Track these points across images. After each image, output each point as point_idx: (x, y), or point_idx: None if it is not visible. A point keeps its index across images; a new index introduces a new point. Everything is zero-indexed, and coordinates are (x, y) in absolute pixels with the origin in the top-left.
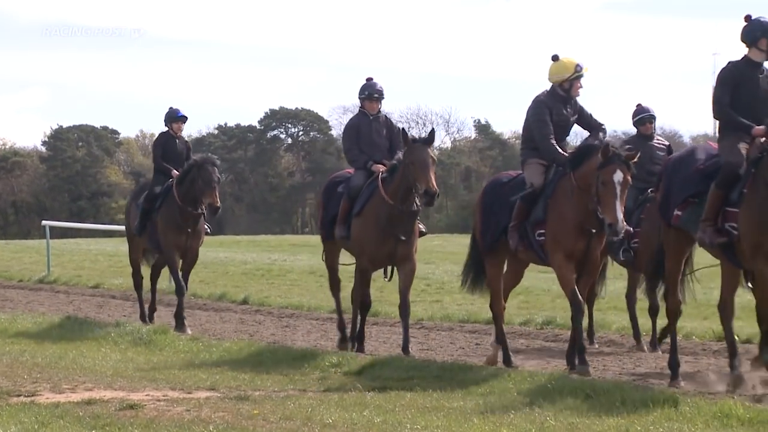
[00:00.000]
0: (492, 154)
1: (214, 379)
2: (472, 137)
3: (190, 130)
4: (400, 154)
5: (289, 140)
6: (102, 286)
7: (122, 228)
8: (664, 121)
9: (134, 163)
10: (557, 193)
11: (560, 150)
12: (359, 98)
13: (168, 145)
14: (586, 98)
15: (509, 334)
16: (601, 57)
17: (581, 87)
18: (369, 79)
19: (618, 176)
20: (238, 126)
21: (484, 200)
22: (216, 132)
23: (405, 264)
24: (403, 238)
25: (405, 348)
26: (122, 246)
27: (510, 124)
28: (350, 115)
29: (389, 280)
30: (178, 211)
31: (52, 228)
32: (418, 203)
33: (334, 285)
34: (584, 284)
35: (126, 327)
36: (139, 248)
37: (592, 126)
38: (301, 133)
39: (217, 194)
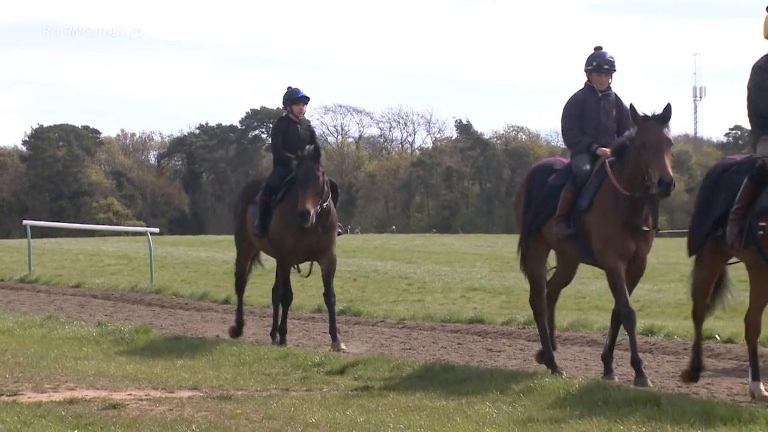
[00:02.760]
0: (473, 154)
1: (197, 378)
2: (454, 137)
3: (171, 129)
4: (630, 131)
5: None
6: (83, 286)
7: (103, 228)
8: None
9: (115, 163)
10: None
11: None
12: (585, 70)
13: (289, 132)
14: (550, 98)
15: (491, 334)
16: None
17: None
18: (597, 48)
19: None
20: (219, 126)
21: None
22: (197, 131)
23: (639, 263)
24: (646, 228)
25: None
26: (103, 246)
27: (491, 124)
28: (332, 116)
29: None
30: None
31: (33, 227)
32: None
33: (539, 295)
34: None
35: (108, 326)
36: (250, 254)
37: None
38: None
39: (311, 197)
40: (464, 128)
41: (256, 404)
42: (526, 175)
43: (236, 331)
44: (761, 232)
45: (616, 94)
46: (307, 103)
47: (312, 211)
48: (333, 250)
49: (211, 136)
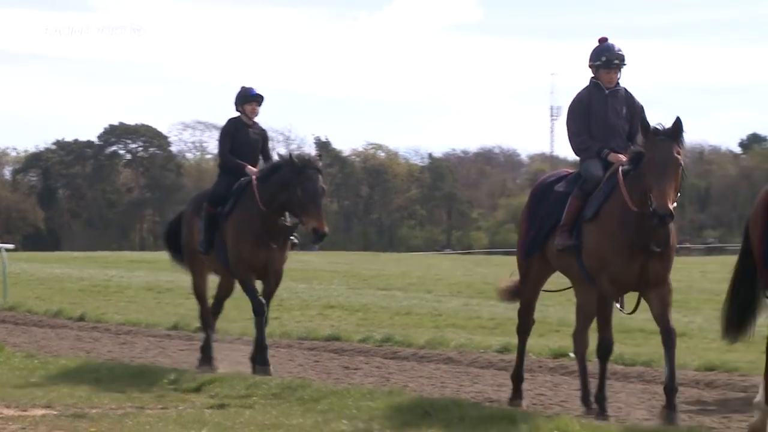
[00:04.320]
0: (332, 172)
1: (50, 396)
2: (313, 154)
3: (26, 145)
4: (638, 140)
5: (129, 156)
6: None
7: None
8: (502, 140)
9: None
10: None
11: None
12: (592, 66)
13: (239, 135)
14: (428, 119)
15: (348, 351)
16: (445, 76)
17: None
18: (603, 40)
19: None
20: (76, 141)
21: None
22: (54, 147)
23: (658, 288)
24: (658, 249)
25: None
26: None
27: (350, 141)
28: (191, 132)
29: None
30: (259, 219)
31: None
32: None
33: (527, 319)
34: None
35: None
36: (205, 273)
37: None
38: (140, 149)
39: (323, 213)
40: (323, 145)
41: (110, 422)
42: (531, 192)
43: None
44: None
45: (626, 90)
46: (261, 103)
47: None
48: (283, 267)
49: (67, 151)
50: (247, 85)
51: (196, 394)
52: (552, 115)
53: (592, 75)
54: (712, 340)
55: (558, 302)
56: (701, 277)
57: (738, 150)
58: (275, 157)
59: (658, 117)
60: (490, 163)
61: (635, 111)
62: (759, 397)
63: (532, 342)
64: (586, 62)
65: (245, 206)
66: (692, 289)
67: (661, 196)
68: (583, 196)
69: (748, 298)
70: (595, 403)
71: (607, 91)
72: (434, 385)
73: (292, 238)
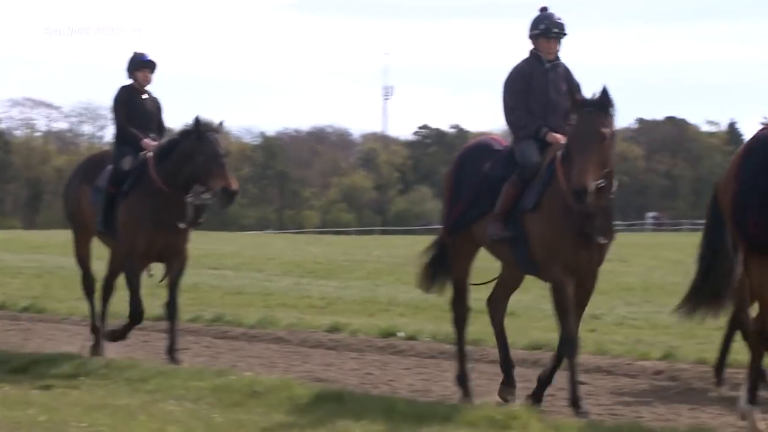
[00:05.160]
0: None
1: None
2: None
3: None
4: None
5: None
6: None
7: None
8: (335, 119)
9: None
10: None
11: None
12: (530, 36)
13: (133, 103)
14: (260, 97)
15: (179, 331)
16: (279, 54)
17: None
18: (543, 9)
19: None
20: None
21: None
22: None
23: (589, 279)
24: (603, 241)
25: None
26: None
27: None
28: (20, 109)
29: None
30: (160, 199)
31: None
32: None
33: (460, 307)
34: None
35: None
36: (88, 241)
37: None
38: None
39: (230, 173)
40: None
41: None
42: (454, 160)
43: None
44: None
45: (565, 65)
46: (153, 71)
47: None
48: (186, 250)
49: None
50: (139, 51)
51: (23, 374)
52: (385, 95)
53: (532, 46)
54: (538, 319)
55: (388, 282)
56: None
57: None
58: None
59: None
60: (323, 142)
61: (574, 89)
62: (742, 399)
63: (362, 322)
64: (418, 42)
65: (142, 187)
66: None
67: (579, 172)
68: (521, 185)
69: (720, 271)
70: (573, 406)
71: (547, 65)
72: (264, 364)
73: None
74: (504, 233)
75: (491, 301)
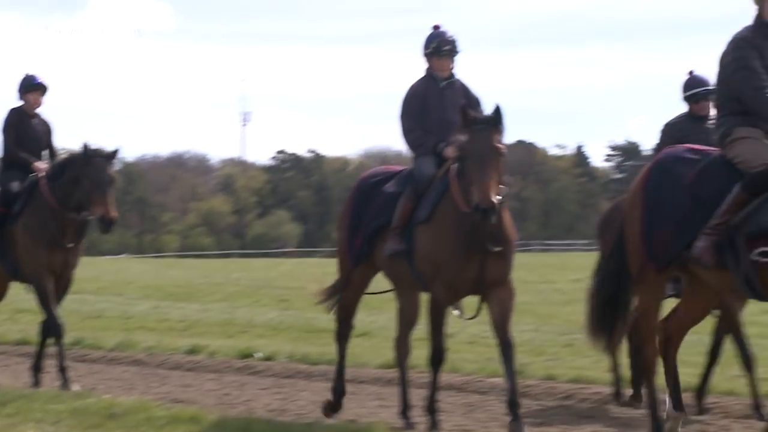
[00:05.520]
0: None
1: None
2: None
3: None
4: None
5: None
6: None
7: None
8: (193, 145)
9: None
10: None
11: None
12: (423, 55)
13: (23, 126)
14: (120, 123)
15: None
16: (138, 81)
17: None
18: (436, 27)
19: None
20: None
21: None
22: None
23: (498, 291)
24: (496, 249)
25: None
26: None
27: None
28: None
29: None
30: (54, 219)
31: None
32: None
33: (345, 327)
34: None
35: None
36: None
37: None
38: None
39: (112, 200)
40: None
41: None
42: (352, 190)
43: None
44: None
45: (461, 82)
46: (44, 93)
47: None
48: (74, 270)
49: None
50: (30, 73)
51: None
52: (242, 121)
53: (426, 65)
54: (392, 339)
55: (246, 304)
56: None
57: None
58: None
59: None
60: (182, 168)
61: (472, 104)
62: (668, 405)
63: (220, 343)
64: (275, 69)
65: (36, 207)
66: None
67: (481, 189)
68: (416, 197)
69: (619, 298)
70: (428, 414)
71: (443, 83)
72: (122, 387)
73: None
74: (399, 246)
75: (397, 339)
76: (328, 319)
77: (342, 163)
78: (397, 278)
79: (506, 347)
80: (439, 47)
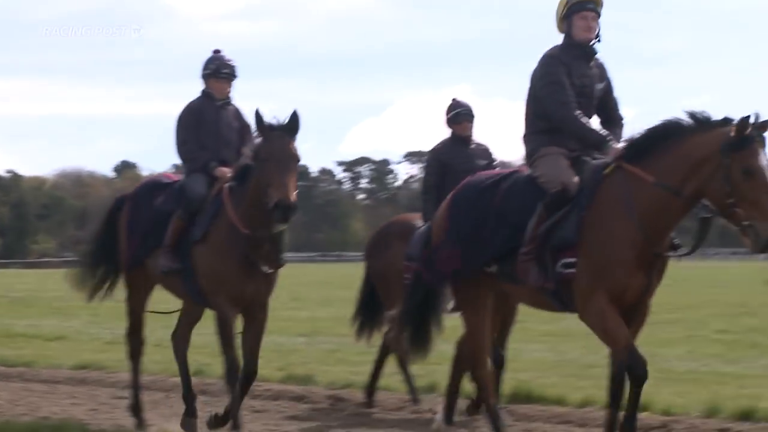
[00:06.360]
0: None
1: None
2: None
3: None
4: (248, 149)
5: None
6: None
7: None
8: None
9: None
10: (600, 201)
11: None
12: (203, 75)
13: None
14: None
15: None
16: None
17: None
18: (216, 51)
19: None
20: None
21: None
22: None
23: (258, 312)
24: (269, 270)
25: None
26: None
27: None
28: None
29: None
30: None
31: None
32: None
33: (135, 340)
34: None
35: None
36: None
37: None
38: None
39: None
40: None
41: None
42: (129, 198)
43: None
44: (569, 271)
45: (236, 106)
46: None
47: None
48: None
49: None
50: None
51: None
52: None
53: (204, 86)
54: (86, 341)
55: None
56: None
57: (112, 174)
58: None
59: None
60: None
61: (244, 126)
62: (439, 415)
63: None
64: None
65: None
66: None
67: (283, 188)
68: (188, 217)
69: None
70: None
71: (219, 103)
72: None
73: None
74: (173, 265)
75: (174, 335)
76: (25, 325)
77: (39, 182)
78: (173, 292)
79: (248, 379)
80: (218, 70)
